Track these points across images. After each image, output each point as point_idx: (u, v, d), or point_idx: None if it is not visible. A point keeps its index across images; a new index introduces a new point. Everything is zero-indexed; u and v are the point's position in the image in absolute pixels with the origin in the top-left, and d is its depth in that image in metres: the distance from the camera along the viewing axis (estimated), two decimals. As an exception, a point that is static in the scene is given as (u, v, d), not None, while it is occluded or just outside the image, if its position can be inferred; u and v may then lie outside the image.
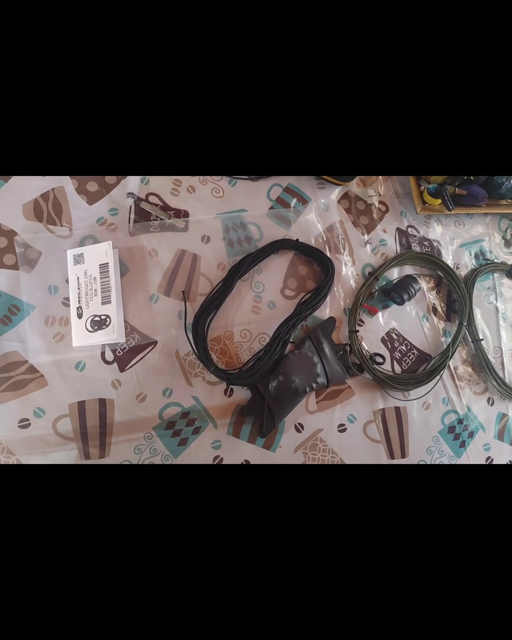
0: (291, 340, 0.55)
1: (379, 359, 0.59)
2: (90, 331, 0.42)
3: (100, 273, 0.46)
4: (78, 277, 0.45)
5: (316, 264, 0.59)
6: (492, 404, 0.66)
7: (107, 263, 0.46)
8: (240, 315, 0.55)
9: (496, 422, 0.65)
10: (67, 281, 0.47)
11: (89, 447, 0.47)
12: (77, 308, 0.43)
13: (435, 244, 0.68)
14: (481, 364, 0.65)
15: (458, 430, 0.62)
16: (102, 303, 0.44)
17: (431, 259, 0.65)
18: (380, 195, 0.66)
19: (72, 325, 0.43)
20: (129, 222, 0.52)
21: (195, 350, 0.50)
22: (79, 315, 0.43)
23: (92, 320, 0.43)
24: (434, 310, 0.65)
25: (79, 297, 0.44)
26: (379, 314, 0.62)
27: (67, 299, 0.47)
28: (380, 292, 0.62)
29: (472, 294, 0.67)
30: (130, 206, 0.52)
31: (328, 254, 0.59)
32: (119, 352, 0.49)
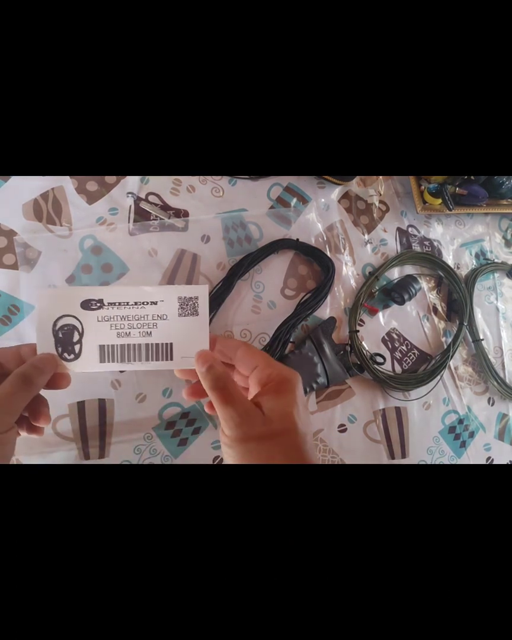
0: (291, 340, 0.55)
1: (379, 359, 0.58)
2: None
3: None
4: None
5: (316, 264, 0.59)
6: (492, 404, 0.66)
7: None
8: (240, 315, 0.54)
9: (497, 422, 0.65)
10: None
11: (88, 447, 0.47)
12: None
13: (435, 243, 0.68)
14: (481, 364, 0.65)
15: (459, 430, 0.62)
16: None
17: (431, 259, 0.65)
18: (380, 194, 0.66)
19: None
20: (129, 222, 0.52)
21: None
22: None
23: None
24: (435, 310, 0.65)
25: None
26: (380, 313, 0.62)
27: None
28: (380, 291, 0.62)
29: (473, 293, 0.67)
30: (130, 206, 0.52)
31: (328, 253, 0.59)
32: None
